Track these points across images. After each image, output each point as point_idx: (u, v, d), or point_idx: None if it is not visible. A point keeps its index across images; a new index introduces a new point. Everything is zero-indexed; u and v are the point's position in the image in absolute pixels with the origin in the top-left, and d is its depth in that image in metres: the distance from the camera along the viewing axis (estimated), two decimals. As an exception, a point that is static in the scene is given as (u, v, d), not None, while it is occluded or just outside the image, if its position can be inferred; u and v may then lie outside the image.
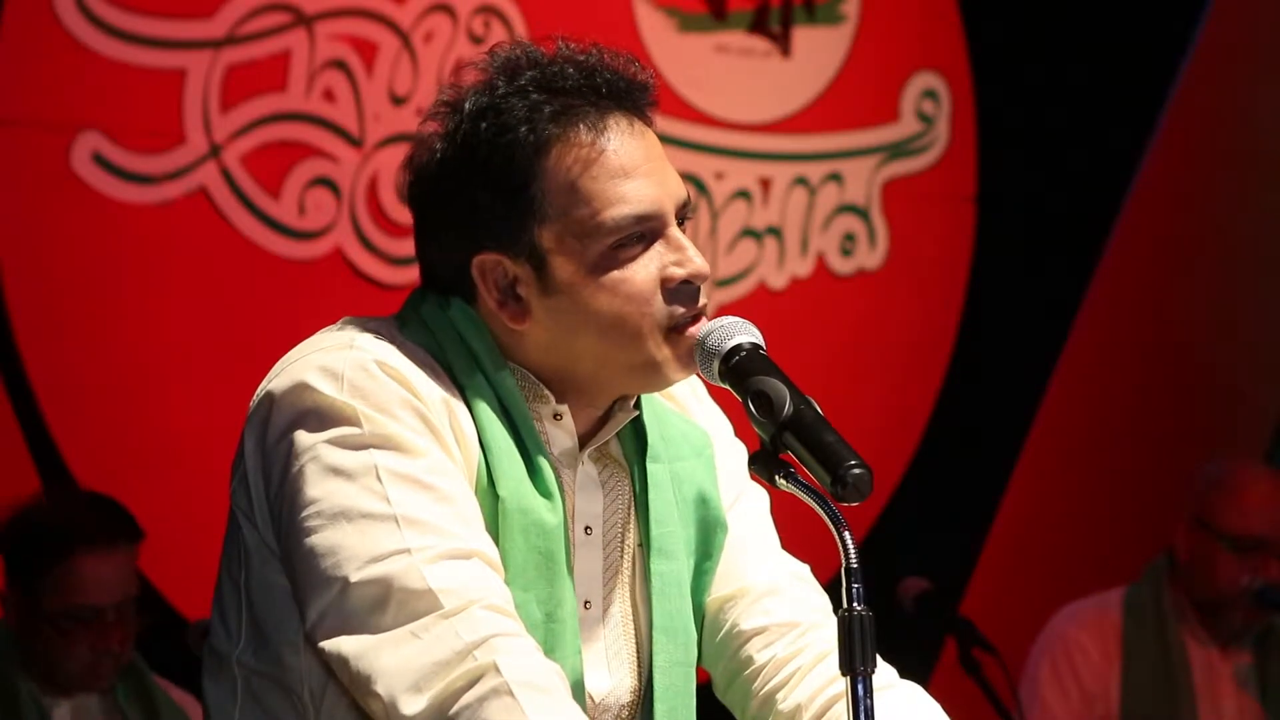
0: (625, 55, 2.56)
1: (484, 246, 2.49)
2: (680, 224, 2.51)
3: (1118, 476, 6.72)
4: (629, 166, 2.49)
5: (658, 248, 2.49)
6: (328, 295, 5.34)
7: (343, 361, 2.40)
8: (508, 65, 2.51)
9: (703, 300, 2.50)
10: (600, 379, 2.51)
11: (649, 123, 2.55)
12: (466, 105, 2.50)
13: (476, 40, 5.63)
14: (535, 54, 2.52)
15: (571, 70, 2.51)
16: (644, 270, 2.47)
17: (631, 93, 2.53)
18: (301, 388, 2.39)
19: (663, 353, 2.47)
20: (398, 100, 5.52)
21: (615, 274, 2.46)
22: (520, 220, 2.47)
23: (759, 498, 2.72)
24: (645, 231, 2.48)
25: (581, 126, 2.49)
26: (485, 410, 2.45)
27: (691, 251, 2.49)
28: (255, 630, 2.45)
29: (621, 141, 2.50)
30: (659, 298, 2.47)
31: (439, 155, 2.50)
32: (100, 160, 5.13)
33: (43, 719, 4.43)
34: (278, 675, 2.43)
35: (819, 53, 6.25)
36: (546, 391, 2.51)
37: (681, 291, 2.48)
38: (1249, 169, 7.07)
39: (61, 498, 4.61)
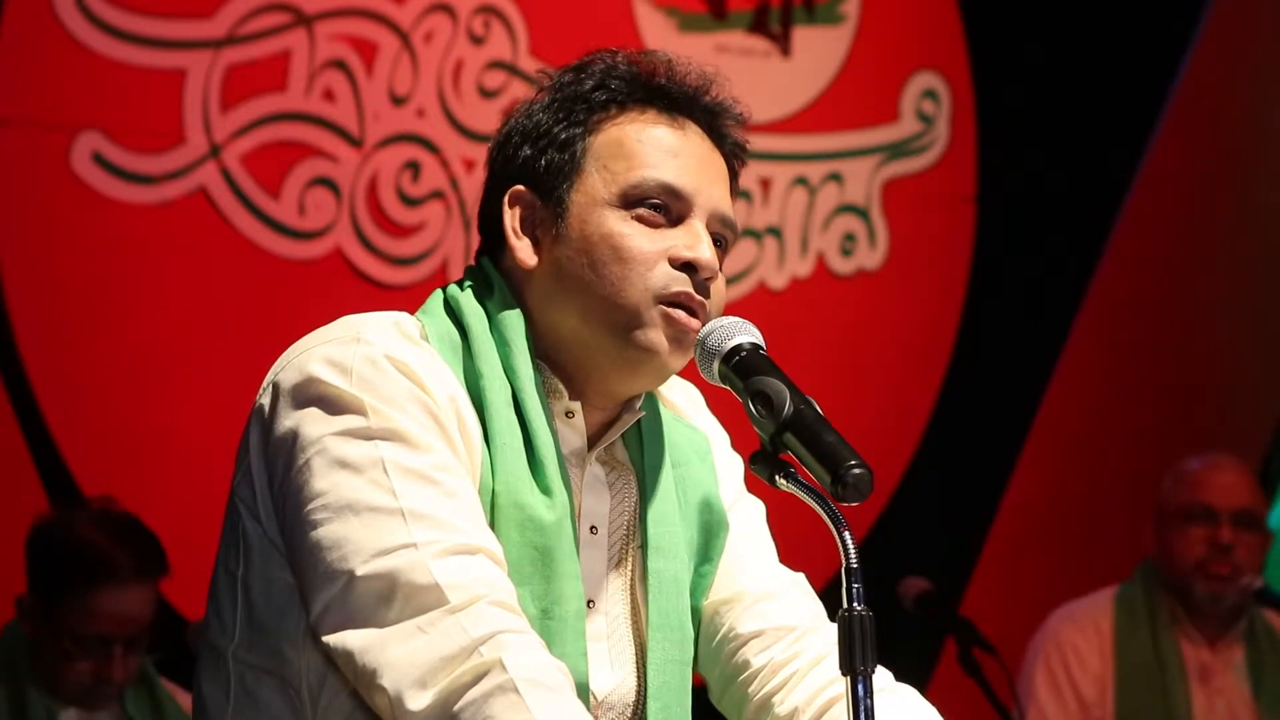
0: (738, 110, 2.60)
1: (522, 182, 2.52)
2: (716, 244, 2.51)
3: (1117, 476, 6.72)
4: (680, 150, 2.52)
5: (676, 231, 2.49)
6: (328, 295, 5.33)
7: (351, 354, 2.39)
8: (616, 51, 2.56)
9: (706, 300, 2.48)
10: (584, 339, 2.48)
11: (722, 155, 2.56)
12: (559, 70, 2.56)
13: (476, 40, 5.63)
14: (650, 58, 2.57)
15: (678, 77, 2.55)
16: (651, 240, 2.47)
17: (720, 120, 2.57)
18: (309, 380, 2.38)
19: (650, 317, 2.45)
20: (398, 100, 5.51)
21: (624, 229, 2.47)
22: (561, 167, 2.50)
23: (756, 507, 2.72)
24: (669, 205, 2.49)
25: (657, 108, 2.53)
26: (496, 405, 2.44)
27: (706, 245, 2.49)
28: (252, 625, 2.44)
29: (686, 137, 2.53)
30: (661, 267, 2.46)
31: (517, 109, 2.56)
32: (100, 160, 5.13)
33: (50, 723, 4.44)
34: (275, 670, 2.42)
35: (819, 53, 6.25)
36: (561, 387, 2.51)
37: (684, 272, 2.47)
38: (1249, 169, 7.07)
39: (99, 520, 4.43)
